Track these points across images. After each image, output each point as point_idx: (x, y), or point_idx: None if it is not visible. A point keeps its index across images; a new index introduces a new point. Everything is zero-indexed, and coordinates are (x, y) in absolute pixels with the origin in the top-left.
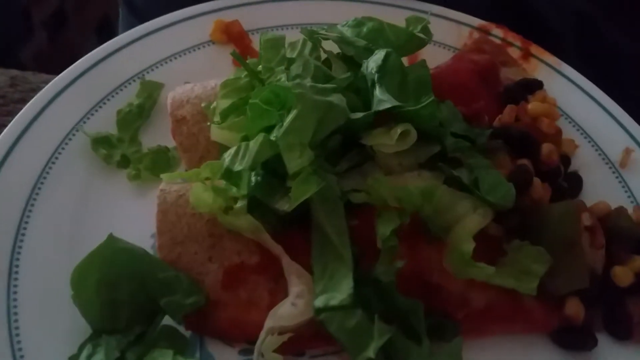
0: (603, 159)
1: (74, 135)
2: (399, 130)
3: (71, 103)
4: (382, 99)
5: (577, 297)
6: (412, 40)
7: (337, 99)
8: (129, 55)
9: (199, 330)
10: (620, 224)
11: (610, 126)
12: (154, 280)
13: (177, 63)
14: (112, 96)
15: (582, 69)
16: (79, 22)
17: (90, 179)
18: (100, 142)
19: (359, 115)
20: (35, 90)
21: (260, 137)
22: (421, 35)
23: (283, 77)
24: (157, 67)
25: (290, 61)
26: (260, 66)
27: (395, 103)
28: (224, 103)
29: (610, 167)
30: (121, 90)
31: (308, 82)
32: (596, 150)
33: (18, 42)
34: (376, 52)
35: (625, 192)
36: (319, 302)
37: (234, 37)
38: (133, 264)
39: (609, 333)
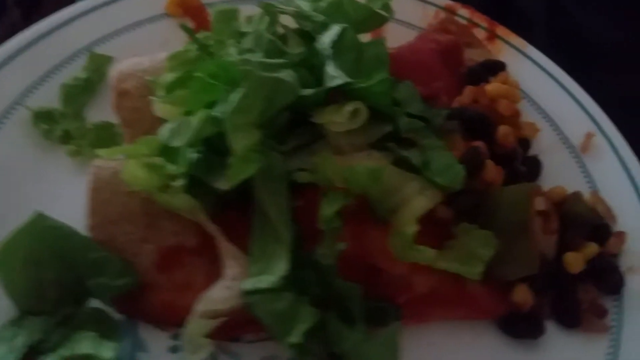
0: (564, 143)
1: (14, 109)
2: (349, 108)
3: (13, 76)
4: (334, 76)
5: (525, 283)
6: (372, 17)
7: (286, 75)
8: (79, 27)
9: (130, 313)
10: (576, 209)
11: (573, 110)
12: (82, 261)
13: (130, 36)
14: (59, 70)
15: (552, 52)
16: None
17: (29, 155)
18: (42, 117)
19: (310, 91)
20: None
21: (202, 113)
22: (382, 12)
23: (234, 50)
24: (107, 40)
25: (243, 35)
26: (211, 40)
27: (347, 79)
28: (171, 76)
29: (571, 152)
30: (69, 63)
31: (258, 57)
32: (558, 134)
33: None
34: (331, 27)
35: (585, 177)
36: (247, 284)
37: (190, 11)
38: (61, 243)
39: (558, 321)
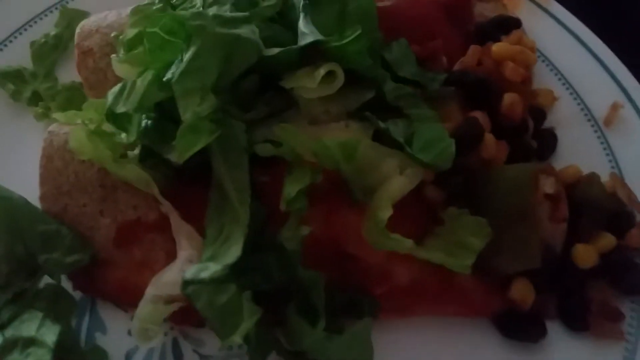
0: (586, 114)
1: None
2: (322, 71)
3: None
4: (305, 32)
5: (526, 278)
6: None
7: (247, 31)
8: None
9: (87, 291)
10: (591, 193)
11: (599, 76)
12: (33, 234)
13: None
14: (30, 26)
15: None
16: None
17: None
18: (10, 77)
19: (276, 51)
20: None
21: (148, 75)
22: None
23: (199, 2)
24: None
25: None
26: None
27: (319, 37)
28: (131, 33)
29: (593, 125)
30: (40, 20)
31: (223, 10)
32: (579, 104)
33: None
34: None
35: (607, 155)
36: (189, 273)
37: None
38: (10, 214)
39: (564, 322)
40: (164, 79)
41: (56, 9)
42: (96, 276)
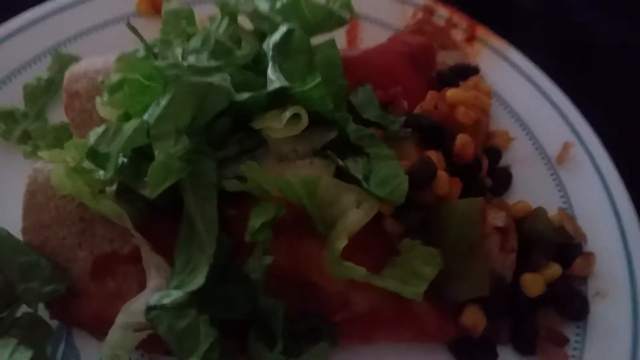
0: (540, 153)
1: None
2: (288, 113)
3: None
4: (273, 79)
5: (477, 305)
6: (330, 17)
7: (219, 79)
8: (46, 27)
9: (63, 320)
10: (538, 227)
11: (552, 118)
12: (13, 264)
13: (98, 37)
14: (24, 70)
15: (551, 53)
16: None
17: None
18: (2, 117)
19: (246, 96)
20: None
21: (135, 122)
22: (341, 12)
23: (179, 52)
24: (74, 40)
25: (190, 35)
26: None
27: (285, 83)
28: (115, 78)
29: (546, 163)
30: (33, 64)
31: (200, 59)
32: (533, 143)
33: None
34: (280, 27)
35: (559, 190)
36: (153, 300)
37: (160, 9)
38: None
39: (514, 347)
40: (148, 123)
41: (49, 54)
42: (72, 306)
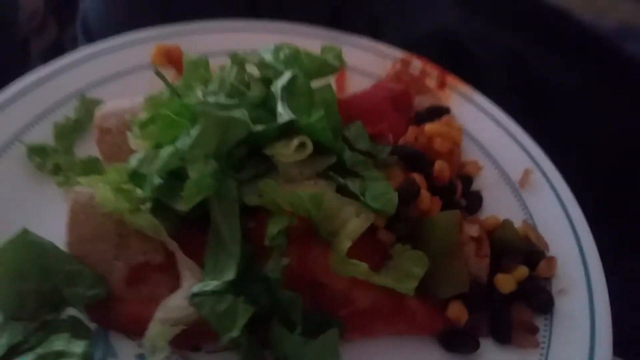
0: (505, 179)
1: (12, 145)
2: (296, 142)
3: (13, 115)
4: (282, 114)
5: (459, 301)
6: (324, 66)
7: (239, 113)
8: (74, 74)
9: (102, 322)
10: (507, 236)
11: (513, 149)
12: (59, 272)
13: (118, 84)
14: (54, 111)
15: (512, 99)
16: None
17: (23, 184)
18: (36, 152)
19: (261, 127)
20: None
21: (170, 148)
22: (334, 62)
23: (199, 93)
24: (97, 86)
25: (209, 81)
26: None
27: (292, 117)
28: (145, 115)
29: (510, 187)
30: (63, 105)
31: (219, 99)
32: (499, 171)
33: (15, 72)
34: (285, 73)
35: (523, 209)
36: (196, 288)
37: (174, 61)
38: (42, 256)
39: (493, 337)
40: (180, 149)
41: (76, 97)
42: (110, 310)
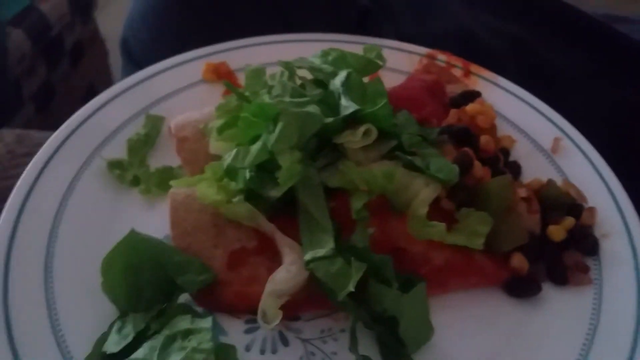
0: (538, 148)
1: (92, 160)
2: (362, 129)
3: (88, 134)
4: (347, 106)
5: (520, 252)
6: (369, 64)
7: (313, 108)
8: (135, 94)
9: (209, 306)
10: (552, 193)
11: (540, 122)
12: (170, 263)
13: (175, 100)
14: (124, 127)
15: (521, 82)
16: (66, 93)
17: (108, 195)
18: (115, 166)
19: (331, 120)
20: (38, 144)
21: (259, 144)
22: (376, 60)
23: (266, 97)
24: (158, 104)
25: (270, 86)
26: (246, 92)
27: (357, 107)
28: (219, 122)
29: (544, 155)
30: (130, 123)
31: (287, 99)
32: (531, 142)
33: (7, 115)
34: (340, 72)
35: (558, 172)
36: (308, 256)
37: (223, 76)
38: (152, 251)
39: (551, 280)
40: (266, 145)
41: (140, 115)
42: (216, 293)
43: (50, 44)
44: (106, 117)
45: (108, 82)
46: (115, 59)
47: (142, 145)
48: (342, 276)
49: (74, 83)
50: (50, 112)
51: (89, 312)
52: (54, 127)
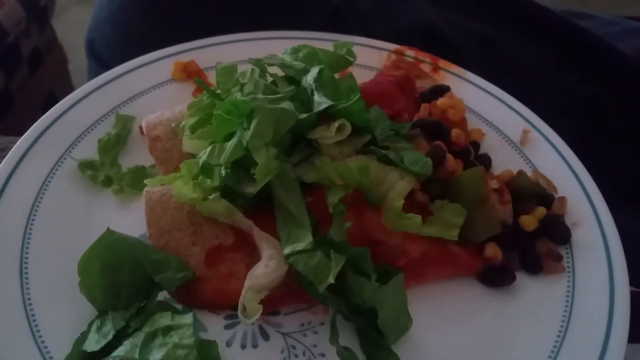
0: (506, 141)
1: (64, 160)
2: (336, 124)
3: (58, 135)
4: (320, 102)
5: (493, 242)
6: (340, 60)
7: (286, 105)
8: (104, 94)
9: (188, 303)
10: (523, 184)
11: (508, 115)
12: (148, 262)
13: (145, 99)
14: (93, 128)
15: (488, 80)
16: (25, 100)
17: (80, 195)
18: (86, 166)
19: (304, 115)
20: (6, 149)
21: (234, 140)
22: (347, 56)
23: (238, 94)
24: (128, 103)
25: (242, 84)
26: (218, 90)
27: (331, 103)
28: (191, 120)
29: (513, 147)
30: (100, 122)
31: (260, 95)
32: (500, 135)
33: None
34: (312, 69)
35: (527, 163)
36: (287, 250)
37: (192, 74)
38: (129, 250)
39: (524, 269)
40: (241, 141)
41: (110, 115)
42: (195, 290)
43: (7, 51)
44: (76, 118)
45: (69, 89)
46: (75, 65)
47: (113, 145)
48: (322, 269)
49: (33, 90)
50: (9, 120)
51: (67, 312)
52: (15, 135)
